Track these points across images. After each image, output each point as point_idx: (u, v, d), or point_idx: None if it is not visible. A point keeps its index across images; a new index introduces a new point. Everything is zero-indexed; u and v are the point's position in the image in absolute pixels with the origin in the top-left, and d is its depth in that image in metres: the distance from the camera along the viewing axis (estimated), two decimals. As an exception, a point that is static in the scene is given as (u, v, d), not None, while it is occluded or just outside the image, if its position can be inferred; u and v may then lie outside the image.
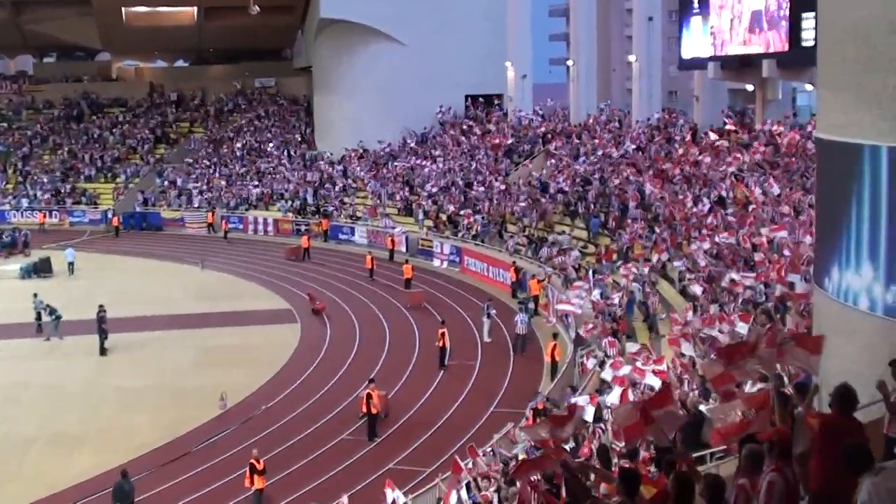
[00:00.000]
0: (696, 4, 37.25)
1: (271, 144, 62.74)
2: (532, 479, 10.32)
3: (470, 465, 17.14)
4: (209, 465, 21.84)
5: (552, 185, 41.82)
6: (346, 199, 52.41)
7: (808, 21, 27.99)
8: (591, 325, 25.70)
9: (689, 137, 38.59)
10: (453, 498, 15.61)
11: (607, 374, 20.23)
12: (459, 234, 43.57)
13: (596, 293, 27.96)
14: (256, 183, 57.01)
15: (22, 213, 57.74)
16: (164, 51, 75.81)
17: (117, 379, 28.33)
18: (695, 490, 6.14)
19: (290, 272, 43.11)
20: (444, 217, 45.35)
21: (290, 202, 54.20)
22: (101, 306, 31.16)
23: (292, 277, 41.85)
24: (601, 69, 49.56)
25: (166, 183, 59.48)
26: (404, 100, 55.27)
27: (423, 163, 52.30)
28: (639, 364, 19.50)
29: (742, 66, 34.73)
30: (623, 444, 13.12)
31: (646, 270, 28.11)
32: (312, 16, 59.38)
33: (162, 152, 64.04)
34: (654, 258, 29.02)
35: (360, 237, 49.30)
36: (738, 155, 33.32)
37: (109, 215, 55.92)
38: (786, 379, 11.56)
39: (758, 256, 23.47)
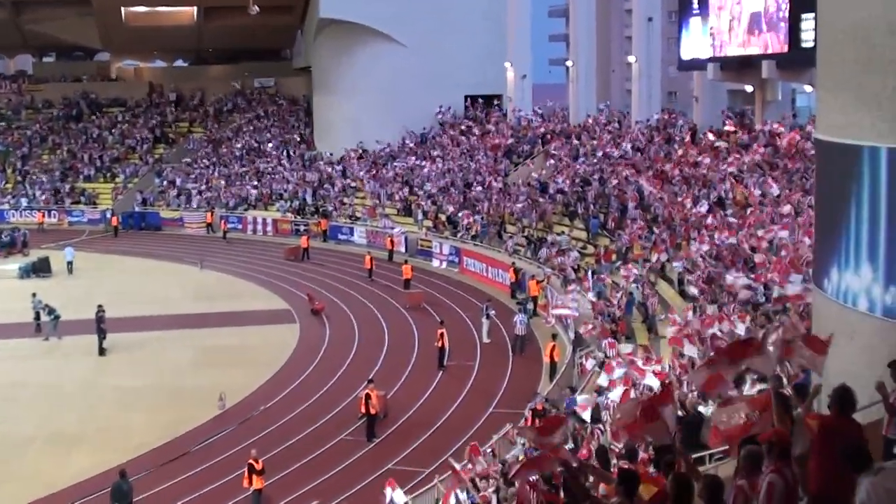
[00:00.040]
0: (695, 5, 37.26)
1: (270, 144, 62.72)
2: (531, 479, 10.31)
3: (468, 467, 17.11)
4: (208, 466, 21.82)
5: (551, 186, 41.83)
6: (345, 200, 52.40)
7: (807, 22, 28.02)
8: (590, 326, 25.71)
9: (688, 138, 38.62)
10: (452, 500, 15.60)
11: (603, 380, 20.23)
12: (459, 235, 43.57)
13: (591, 295, 27.96)
14: (256, 183, 56.98)
15: (21, 212, 57.74)
16: (164, 51, 75.79)
17: (116, 379, 28.31)
18: (693, 491, 6.13)
19: (289, 272, 43.09)
20: (443, 217, 45.35)
21: (289, 202, 54.19)
22: (99, 306, 31.14)
23: (291, 277, 41.84)
24: (601, 70, 49.57)
25: (165, 183, 59.46)
26: (404, 100, 55.26)
27: (423, 163, 52.30)
28: (639, 363, 19.51)
29: (741, 67, 34.75)
30: (622, 444, 13.12)
31: (645, 271, 28.12)
32: (312, 16, 59.38)
33: (161, 152, 64.02)
34: (654, 258, 29.03)
35: (359, 237, 49.30)
36: (738, 156, 33.34)
37: (108, 215, 55.89)
38: (785, 380, 11.55)
39: (758, 258, 23.46)
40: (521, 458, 15.18)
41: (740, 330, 18.22)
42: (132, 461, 21.67)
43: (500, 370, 28.00)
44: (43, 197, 58.92)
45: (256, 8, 57.22)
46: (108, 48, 73.06)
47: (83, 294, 37.27)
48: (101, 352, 30.60)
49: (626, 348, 22.24)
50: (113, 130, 65.92)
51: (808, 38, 27.90)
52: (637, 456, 12.19)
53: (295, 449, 22.58)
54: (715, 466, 10.76)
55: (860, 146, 11.01)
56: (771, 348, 8.16)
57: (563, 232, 37.56)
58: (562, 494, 8.98)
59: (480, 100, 57.20)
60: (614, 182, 37.82)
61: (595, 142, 43.80)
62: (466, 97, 57.29)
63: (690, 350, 19.08)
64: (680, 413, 12.38)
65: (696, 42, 37.33)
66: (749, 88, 38.57)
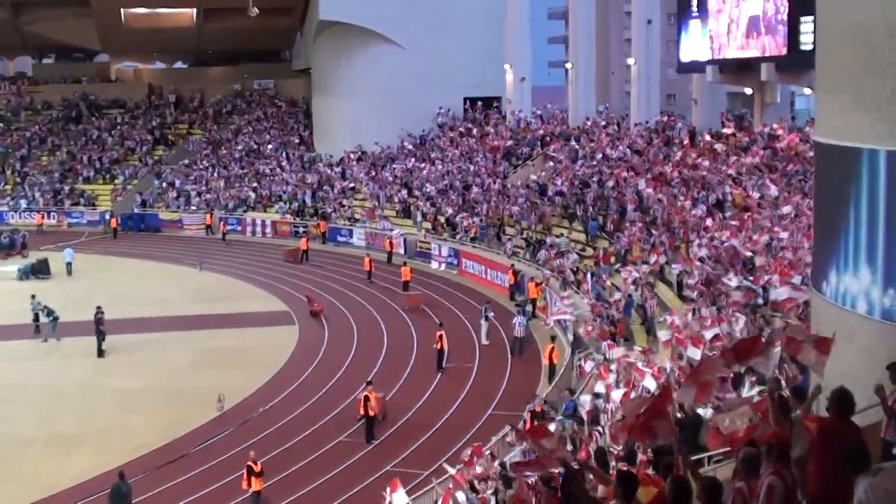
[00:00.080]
0: (694, 8, 37.30)
1: (270, 146, 62.71)
2: (530, 481, 10.32)
3: (463, 471, 17.10)
4: (207, 467, 21.81)
5: (550, 188, 41.84)
6: (344, 202, 52.41)
7: (806, 25, 28.06)
8: (589, 328, 25.71)
9: (687, 141, 38.64)
10: (451, 503, 15.60)
11: (599, 387, 20.23)
12: (458, 237, 43.57)
13: (590, 297, 27.96)
14: (255, 185, 56.97)
15: (20, 214, 57.71)
16: (163, 52, 75.79)
17: (115, 380, 28.30)
18: (692, 493, 6.14)
19: (288, 274, 43.09)
20: (442, 219, 45.36)
21: (288, 204, 54.19)
22: (98, 308, 31.11)
23: (290, 279, 41.84)
24: (600, 72, 49.58)
25: (165, 184, 59.45)
26: (403, 102, 55.25)
27: (422, 165, 52.31)
28: (639, 365, 19.50)
29: (740, 69, 34.78)
30: (621, 446, 13.12)
31: (644, 273, 28.12)
32: (311, 18, 59.39)
33: (160, 154, 64.01)
34: (652, 260, 29.04)
35: (358, 239, 49.29)
36: (737, 158, 33.36)
37: (107, 217, 55.88)
38: (783, 382, 11.56)
39: (759, 260, 23.46)
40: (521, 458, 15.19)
41: (737, 328, 18.22)
42: (131, 462, 21.66)
43: (499, 372, 27.99)
44: (42, 198, 58.90)
45: (256, 10, 57.27)
46: (108, 50, 73.04)
47: (82, 295, 37.26)
48: (100, 353, 30.58)
49: (617, 352, 22.19)
50: (112, 132, 65.90)
51: (806, 40, 27.95)
52: (636, 458, 12.21)
53: (294, 451, 22.57)
54: (714, 468, 10.76)
55: (859, 148, 11.00)
56: (777, 348, 8.18)
57: (562, 234, 37.56)
58: (560, 496, 8.98)
59: (479, 102, 57.19)
60: (613, 184, 37.84)
61: (594, 144, 43.82)
62: (465, 99, 57.26)
63: (694, 353, 19.02)
64: (679, 415, 12.38)
65: (695, 44, 37.37)
66: (748, 91, 38.61)
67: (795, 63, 30.14)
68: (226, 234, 52.46)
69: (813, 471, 6.42)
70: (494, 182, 45.91)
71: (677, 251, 28.76)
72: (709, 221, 29.16)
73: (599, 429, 16.90)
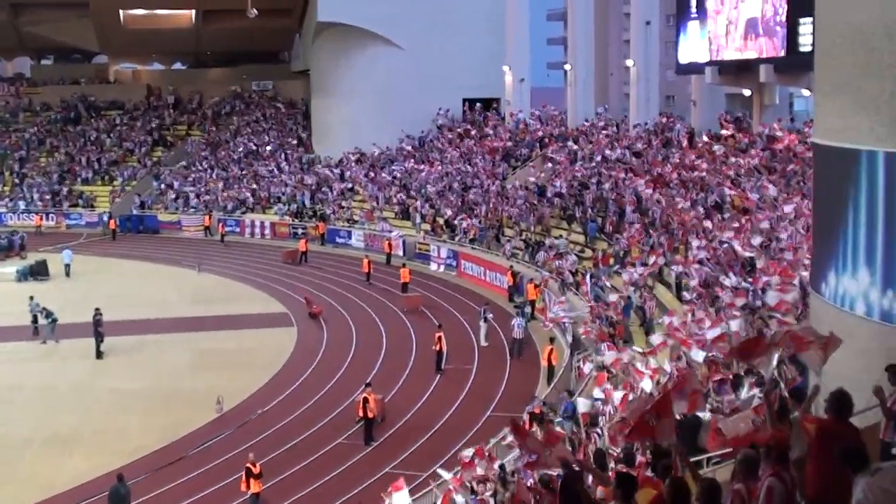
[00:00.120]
0: (693, 9, 37.28)
1: (269, 148, 62.70)
2: (529, 482, 10.32)
3: (460, 474, 17.08)
4: (205, 469, 21.80)
5: (549, 189, 41.83)
6: (343, 203, 52.39)
7: (805, 26, 28.06)
8: (588, 329, 25.67)
9: (686, 142, 38.64)
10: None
11: (597, 392, 20.20)
12: (456, 238, 43.56)
13: (581, 300, 27.95)
14: (254, 186, 56.94)
15: (18, 215, 57.66)
16: (162, 53, 75.81)
17: (113, 382, 28.27)
18: (691, 495, 6.14)
19: (286, 276, 43.08)
20: (441, 221, 45.35)
21: (287, 205, 54.17)
22: (97, 309, 31.09)
23: (289, 281, 41.82)
24: (599, 73, 49.58)
25: (163, 186, 59.40)
26: (402, 103, 55.26)
27: (421, 166, 52.30)
28: (639, 366, 19.47)
29: (739, 71, 34.78)
30: (620, 448, 13.11)
31: (643, 274, 28.11)
32: (310, 19, 59.40)
33: (159, 155, 63.96)
34: (651, 262, 29.01)
35: (356, 241, 49.27)
36: (735, 159, 33.34)
37: (106, 218, 55.80)
38: (782, 384, 11.55)
39: (759, 262, 23.44)
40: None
41: (734, 327, 18.20)
42: (130, 464, 21.64)
43: (498, 374, 27.98)
44: (41, 200, 58.84)
45: (255, 11, 57.27)
46: (107, 51, 73.05)
47: (81, 297, 37.23)
48: (99, 355, 30.56)
49: (610, 357, 22.13)
50: (111, 133, 65.86)
51: (805, 42, 27.95)
52: (635, 460, 12.19)
53: (293, 452, 22.56)
54: (713, 470, 10.75)
55: (858, 150, 11.01)
56: (778, 349, 8.17)
57: (560, 235, 37.55)
58: (560, 496, 8.98)
59: (478, 103, 57.20)
60: (612, 186, 37.84)
61: (593, 145, 43.82)
62: (464, 100, 57.26)
63: (697, 355, 18.98)
64: (678, 416, 12.35)
65: (693, 46, 37.36)
66: (747, 92, 38.60)
67: (794, 65, 30.14)
68: (224, 235, 52.43)
69: (812, 472, 6.42)
70: (493, 183, 45.90)
71: (676, 252, 28.75)
72: (708, 223, 29.14)
73: (598, 430, 16.87)
